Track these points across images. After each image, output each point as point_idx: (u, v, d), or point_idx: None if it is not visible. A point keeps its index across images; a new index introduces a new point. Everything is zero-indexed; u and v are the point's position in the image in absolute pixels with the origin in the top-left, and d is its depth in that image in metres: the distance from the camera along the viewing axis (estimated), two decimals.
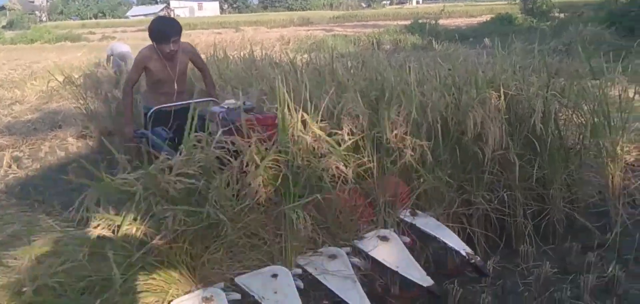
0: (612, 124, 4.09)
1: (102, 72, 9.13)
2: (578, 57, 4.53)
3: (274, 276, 2.82)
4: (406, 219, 3.52)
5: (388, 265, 3.11)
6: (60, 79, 10.14)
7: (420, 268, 3.13)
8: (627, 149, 4.96)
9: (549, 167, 4.10)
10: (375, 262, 3.17)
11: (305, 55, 6.59)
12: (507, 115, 4.09)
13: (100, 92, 8.11)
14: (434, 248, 3.62)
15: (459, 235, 3.83)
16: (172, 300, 2.74)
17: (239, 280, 2.82)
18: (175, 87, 4.76)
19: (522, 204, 4.07)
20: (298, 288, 2.75)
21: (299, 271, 2.97)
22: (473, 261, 3.17)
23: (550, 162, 4.10)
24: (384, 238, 3.28)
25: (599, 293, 3.42)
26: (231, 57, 7.80)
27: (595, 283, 3.44)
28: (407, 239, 3.40)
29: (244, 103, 3.79)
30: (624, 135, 4.16)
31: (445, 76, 4.51)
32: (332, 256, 3.03)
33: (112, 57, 10.30)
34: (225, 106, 3.89)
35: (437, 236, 3.41)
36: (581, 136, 4.23)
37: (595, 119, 4.11)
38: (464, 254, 3.25)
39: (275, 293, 2.69)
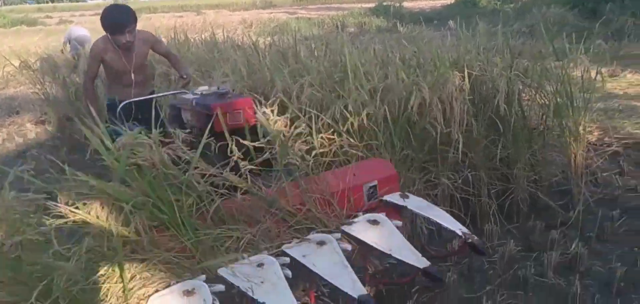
0: (575, 104, 4.13)
1: (59, 56, 8.85)
2: (541, 38, 4.56)
3: (260, 265, 2.61)
4: (397, 202, 3.32)
5: (380, 249, 2.89)
6: (16, 64, 9.82)
7: (414, 249, 2.91)
8: (590, 129, 5.06)
9: (513, 147, 4.13)
10: (366, 246, 2.97)
11: (268, 38, 6.49)
12: (471, 96, 4.10)
13: (58, 77, 7.87)
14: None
15: None
16: (151, 294, 2.53)
17: (222, 271, 2.61)
18: (133, 77, 4.47)
19: (486, 184, 4.10)
20: (286, 277, 2.63)
21: (287, 259, 2.74)
22: (470, 240, 3.06)
23: (514, 142, 4.13)
24: (374, 222, 3.06)
25: (562, 269, 3.46)
26: (192, 40, 7.66)
27: (559, 260, 3.48)
28: (399, 223, 3.17)
29: (218, 88, 3.67)
30: (586, 115, 4.20)
31: (409, 57, 4.49)
32: (321, 243, 2.83)
33: (70, 42, 10.00)
34: (199, 92, 3.71)
35: (431, 217, 3.18)
36: (544, 116, 4.27)
37: (558, 100, 4.14)
38: (460, 234, 3.12)
39: (263, 283, 2.49)
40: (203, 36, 7.68)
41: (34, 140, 8.18)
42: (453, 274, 3.44)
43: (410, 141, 3.94)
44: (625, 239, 3.78)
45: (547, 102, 4.18)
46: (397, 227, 3.03)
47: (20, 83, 11.42)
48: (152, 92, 4.52)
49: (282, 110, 4.19)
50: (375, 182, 3.35)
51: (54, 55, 8.82)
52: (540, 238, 3.83)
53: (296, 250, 2.76)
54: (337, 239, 2.82)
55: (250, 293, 2.41)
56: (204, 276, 2.57)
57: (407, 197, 3.36)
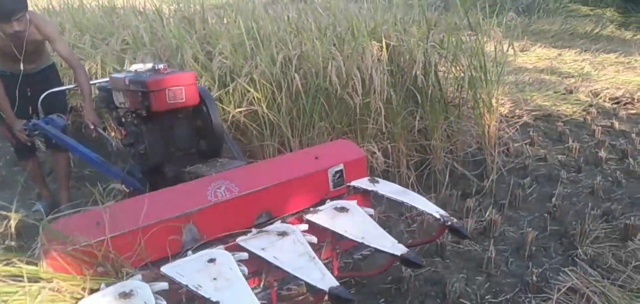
0: (488, 77, 4.22)
1: None
2: (456, 10, 4.62)
3: (211, 261, 2.25)
4: (367, 187, 3.00)
5: (352, 238, 2.61)
6: None
7: (389, 236, 2.66)
8: (502, 101, 5.21)
9: (430, 118, 4.17)
10: (335, 236, 2.72)
11: (173, 5, 6.19)
12: (389, 66, 4.11)
13: None
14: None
15: None
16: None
17: (166, 269, 2.23)
18: (22, 67, 3.90)
19: (405, 155, 4.12)
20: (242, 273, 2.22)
21: (244, 254, 2.39)
22: (449, 223, 2.74)
23: (431, 114, 4.17)
24: (343, 209, 2.75)
25: (478, 235, 3.54)
26: (88, 5, 7.18)
27: (475, 227, 3.55)
28: (371, 210, 2.99)
29: (153, 64, 3.30)
30: (499, 88, 4.31)
31: (326, 26, 4.44)
32: (282, 234, 2.49)
33: None
34: (133, 70, 3.34)
35: (405, 201, 2.91)
36: (460, 88, 4.33)
37: (473, 72, 4.22)
38: (438, 217, 2.78)
39: (215, 279, 2.15)
40: (100, 1, 7.15)
41: None
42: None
43: (328, 113, 3.90)
44: (535, 205, 3.92)
45: (462, 74, 4.24)
46: (369, 215, 2.80)
47: None
48: (50, 67, 4.21)
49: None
50: (341, 167, 3.00)
51: None
52: (457, 207, 3.89)
53: (254, 243, 2.43)
54: (301, 231, 2.52)
55: (200, 292, 2.07)
56: (139, 276, 2.19)
57: (377, 181, 3.06)
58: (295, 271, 2.24)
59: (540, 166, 4.44)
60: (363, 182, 3.00)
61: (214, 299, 2.00)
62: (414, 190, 4.01)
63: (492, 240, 3.44)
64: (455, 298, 2.95)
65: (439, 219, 2.75)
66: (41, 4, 7.24)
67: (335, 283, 2.14)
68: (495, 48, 4.33)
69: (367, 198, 3.04)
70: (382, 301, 3.04)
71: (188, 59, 4.08)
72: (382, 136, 4.10)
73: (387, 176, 4.11)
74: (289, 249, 2.38)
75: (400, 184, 4.04)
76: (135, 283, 2.10)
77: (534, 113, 5.47)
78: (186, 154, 3.29)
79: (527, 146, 4.75)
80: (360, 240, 2.56)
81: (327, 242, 2.74)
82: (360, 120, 3.99)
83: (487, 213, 3.70)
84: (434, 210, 2.81)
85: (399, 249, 2.52)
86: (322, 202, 2.85)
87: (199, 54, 4.09)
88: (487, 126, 4.29)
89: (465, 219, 3.59)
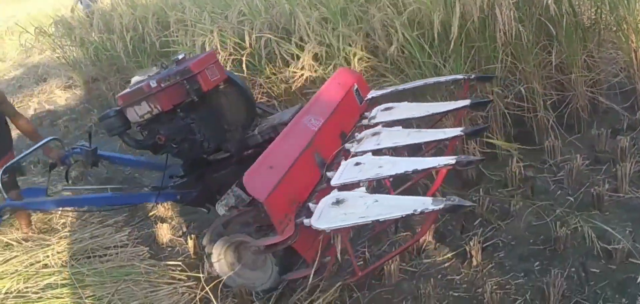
0: None
1: (72, 17, 8.60)
2: None
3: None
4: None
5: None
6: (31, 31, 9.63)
7: None
8: None
9: (567, 50, 3.73)
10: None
11: None
12: None
13: (75, 38, 7.64)
14: None
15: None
16: None
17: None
18: None
19: (541, 96, 3.74)
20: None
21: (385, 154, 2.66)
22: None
23: (567, 45, 3.73)
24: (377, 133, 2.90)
25: (638, 180, 3.14)
26: None
27: (634, 170, 3.15)
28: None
29: (162, 67, 3.25)
30: None
31: None
32: (376, 134, 2.87)
33: (81, 0, 9.70)
34: (135, 81, 3.28)
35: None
36: (598, 10, 3.83)
37: None
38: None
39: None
40: None
41: (64, 106, 8.09)
42: (518, 202, 3.16)
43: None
44: None
45: None
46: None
47: (40, 50, 11.25)
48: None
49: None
50: (356, 86, 3.37)
51: (67, 16, 8.58)
52: (608, 147, 3.49)
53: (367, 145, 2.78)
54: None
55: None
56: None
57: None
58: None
59: None
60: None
61: None
62: (555, 133, 3.66)
63: None
64: (623, 257, 2.63)
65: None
66: None
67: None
68: None
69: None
70: (537, 265, 2.79)
71: (301, 24, 3.95)
72: (513, 78, 3.73)
73: (521, 120, 3.77)
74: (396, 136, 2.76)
75: (538, 129, 3.73)
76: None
77: None
78: (236, 128, 3.29)
79: None
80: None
81: None
82: (485, 61, 3.65)
83: None
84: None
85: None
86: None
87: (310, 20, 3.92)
88: (634, 50, 3.77)
89: (621, 164, 3.19)
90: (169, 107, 3.08)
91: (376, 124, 3.04)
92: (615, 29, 3.85)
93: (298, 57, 4.18)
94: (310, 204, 2.44)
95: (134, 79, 3.32)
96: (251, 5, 4.80)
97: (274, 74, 4.60)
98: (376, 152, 2.67)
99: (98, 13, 7.46)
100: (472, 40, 3.62)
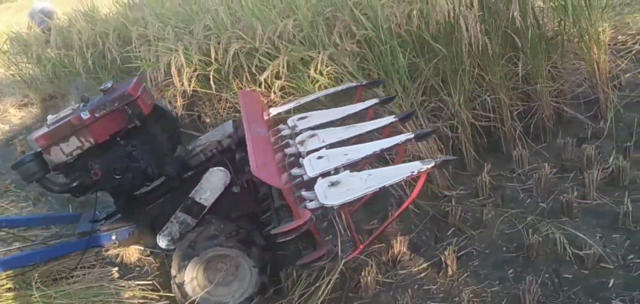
0: (592, 2, 3.79)
1: (28, 33, 8.37)
2: None
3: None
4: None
5: None
6: None
7: None
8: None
9: (532, 61, 3.81)
10: None
11: None
12: (480, 11, 3.75)
13: (31, 55, 7.43)
14: None
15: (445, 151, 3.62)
16: None
17: None
18: None
19: (508, 106, 3.80)
20: None
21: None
22: None
23: (532, 56, 3.80)
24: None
25: (605, 186, 3.21)
26: None
27: (600, 178, 3.22)
28: None
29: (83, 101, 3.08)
30: (604, 14, 3.88)
31: None
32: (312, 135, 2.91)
33: (34, 16, 9.45)
34: (57, 117, 3.08)
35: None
36: (563, 22, 3.92)
37: (574, 2, 3.79)
38: None
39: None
40: None
41: (20, 125, 7.85)
42: (490, 211, 3.19)
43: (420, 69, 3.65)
44: None
45: (564, 4, 3.82)
46: None
47: None
48: None
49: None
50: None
51: (22, 32, 8.34)
52: (574, 155, 3.55)
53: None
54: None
55: None
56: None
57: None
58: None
59: None
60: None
61: None
62: (521, 143, 3.72)
63: (624, 190, 3.10)
64: (594, 262, 2.67)
65: None
66: None
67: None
68: None
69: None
70: (511, 273, 2.81)
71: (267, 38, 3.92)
72: (481, 89, 3.78)
73: (490, 133, 3.82)
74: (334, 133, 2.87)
75: (505, 139, 3.78)
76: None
77: (638, 37, 4.94)
78: (173, 150, 3.23)
79: None
80: None
81: None
82: (452, 73, 3.69)
83: (611, 159, 3.36)
84: None
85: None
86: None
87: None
88: (596, 61, 3.88)
89: (588, 170, 3.25)
90: (105, 138, 2.93)
91: (303, 130, 3.01)
92: (577, 40, 3.95)
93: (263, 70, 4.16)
94: (304, 192, 2.46)
95: (51, 118, 3.08)
96: (217, 20, 4.74)
97: (241, 89, 4.55)
98: (330, 146, 2.71)
99: (55, 29, 7.29)
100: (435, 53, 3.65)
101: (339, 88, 3.55)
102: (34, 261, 3.25)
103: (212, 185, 3.02)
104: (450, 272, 2.87)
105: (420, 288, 2.85)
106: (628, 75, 4.30)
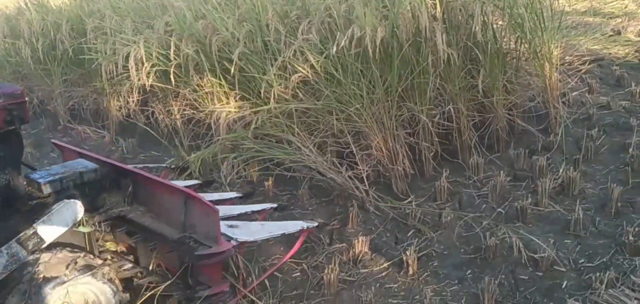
0: (546, 24, 3.99)
1: None
2: None
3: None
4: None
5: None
6: None
7: None
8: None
9: (490, 74, 3.96)
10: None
11: None
12: (445, 24, 3.88)
13: None
14: None
15: (404, 155, 3.70)
16: None
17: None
18: None
19: (466, 116, 3.93)
20: None
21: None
22: None
23: (490, 70, 3.96)
24: None
25: (556, 195, 3.37)
26: None
27: (551, 187, 3.37)
28: None
29: None
30: (556, 34, 4.09)
31: None
32: None
33: None
34: None
35: None
36: (518, 39, 4.09)
37: (529, 20, 3.98)
38: None
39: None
40: None
41: None
42: (448, 215, 3.28)
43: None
44: (609, 157, 3.72)
45: (521, 23, 4.00)
46: None
47: None
48: None
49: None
50: None
51: None
52: (526, 166, 3.71)
53: None
54: None
55: None
56: None
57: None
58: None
59: (604, 115, 4.22)
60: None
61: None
62: (477, 152, 3.85)
63: (574, 199, 3.26)
64: (548, 264, 2.80)
65: None
66: None
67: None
68: None
69: None
70: (470, 273, 2.91)
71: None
72: (441, 98, 3.90)
73: (448, 139, 3.94)
74: None
75: (462, 147, 3.90)
76: None
77: (585, 58, 5.21)
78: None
79: (587, 94, 4.52)
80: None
81: None
82: (417, 83, 3.79)
83: (562, 170, 3.53)
84: None
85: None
86: None
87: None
88: (548, 78, 4.07)
89: (540, 179, 3.41)
90: None
91: None
92: (531, 57, 4.13)
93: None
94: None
95: None
96: (179, 17, 4.70)
97: (201, 87, 4.52)
98: None
99: (2, 17, 7.03)
100: (406, 62, 3.75)
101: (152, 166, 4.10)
102: None
103: (61, 218, 2.50)
104: (410, 271, 2.94)
105: (382, 286, 2.91)
106: (575, 93, 4.52)
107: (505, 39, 4.16)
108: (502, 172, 3.57)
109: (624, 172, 3.49)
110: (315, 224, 3.09)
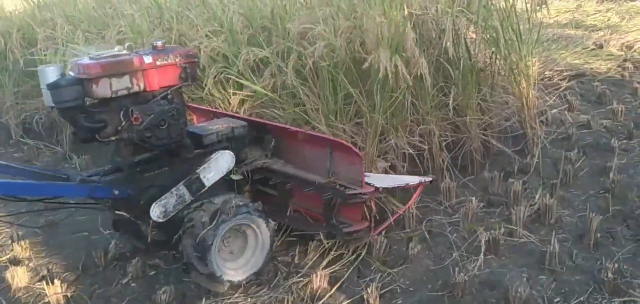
0: (523, 38, 3.77)
1: None
2: None
3: None
4: None
5: None
6: None
7: None
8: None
9: (463, 92, 3.74)
10: None
11: None
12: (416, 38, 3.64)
13: None
14: None
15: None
16: None
17: None
18: None
19: (437, 137, 3.69)
20: None
21: None
22: None
23: (463, 88, 3.74)
24: None
25: (531, 223, 3.14)
26: None
27: (527, 214, 3.14)
28: None
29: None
30: (535, 48, 3.88)
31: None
32: None
33: None
34: (96, 54, 2.77)
35: None
36: (494, 55, 3.87)
37: (505, 36, 3.76)
38: None
39: None
40: None
41: None
42: (415, 245, 3.03)
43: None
44: (588, 181, 3.51)
45: (495, 37, 3.77)
46: None
47: None
48: None
49: None
50: None
51: None
52: (501, 190, 3.49)
53: None
54: None
55: None
56: None
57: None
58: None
59: (585, 135, 4.01)
60: None
61: None
62: (449, 174, 3.62)
63: (551, 229, 3.03)
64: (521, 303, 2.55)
65: None
66: None
67: None
68: (526, 6, 3.87)
69: None
70: None
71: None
72: (413, 117, 3.67)
73: (420, 160, 3.70)
74: None
75: (433, 169, 3.67)
76: None
77: (565, 73, 5.01)
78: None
79: (567, 113, 4.31)
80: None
81: None
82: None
83: (538, 196, 3.30)
84: None
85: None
86: None
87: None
88: (525, 96, 3.85)
89: (515, 207, 3.17)
90: (154, 88, 2.79)
91: None
92: (507, 74, 3.91)
93: None
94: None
95: (95, 53, 2.77)
96: (133, 26, 4.44)
97: None
98: None
99: None
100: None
101: None
102: (24, 193, 2.78)
103: (218, 167, 2.95)
104: None
105: None
106: (554, 111, 4.31)
107: (479, 55, 3.95)
108: (474, 198, 3.33)
109: (603, 198, 3.27)
110: (430, 179, 3.41)
